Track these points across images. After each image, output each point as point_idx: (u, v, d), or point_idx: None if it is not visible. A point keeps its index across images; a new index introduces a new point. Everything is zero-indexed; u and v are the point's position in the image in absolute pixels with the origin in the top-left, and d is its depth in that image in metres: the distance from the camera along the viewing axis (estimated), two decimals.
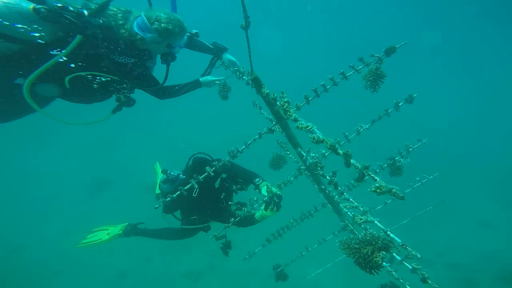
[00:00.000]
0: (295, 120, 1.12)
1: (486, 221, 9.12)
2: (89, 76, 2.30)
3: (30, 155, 13.59)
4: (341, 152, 0.98)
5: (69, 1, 2.14)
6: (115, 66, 2.31)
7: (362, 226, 1.11)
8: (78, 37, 2.13)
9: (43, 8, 1.94)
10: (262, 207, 2.63)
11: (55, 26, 2.08)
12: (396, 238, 1.06)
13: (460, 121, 17.23)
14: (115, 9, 2.33)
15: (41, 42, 2.08)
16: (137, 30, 2.28)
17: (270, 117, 2.47)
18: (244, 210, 2.10)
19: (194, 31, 2.86)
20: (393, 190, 0.84)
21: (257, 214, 2.86)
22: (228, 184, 3.16)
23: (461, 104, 19.29)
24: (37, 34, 2.04)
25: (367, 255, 1.04)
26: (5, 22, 1.89)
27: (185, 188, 1.61)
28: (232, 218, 2.21)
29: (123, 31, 2.29)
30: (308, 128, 1.07)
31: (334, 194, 2.18)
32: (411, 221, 3.67)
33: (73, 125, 2.67)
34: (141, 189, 8.49)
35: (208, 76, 2.99)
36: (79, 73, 2.25)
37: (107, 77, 2.37)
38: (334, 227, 2.69)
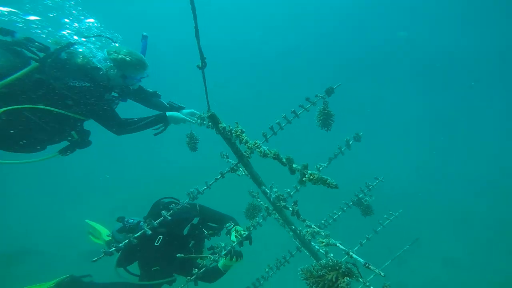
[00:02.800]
0: (246, 142, 1.19)
1: (454, 259, 9.36)
2: (26, 113, 2.17)
3: None
4: (284, 159, 1.05)
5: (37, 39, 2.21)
6: (69, 90, 2.24)
7: (324, 249, 1.12)
8: (34, 64, 2.13)
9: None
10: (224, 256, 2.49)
11: (14, 56, 2.10)
12: (359, 259, 1.08)
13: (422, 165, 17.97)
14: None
15: None
16: (94, 61, 2.33)
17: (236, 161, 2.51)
18: (210, 258, 1.92)
19: (158, 92, 2.98)
20: (328, 180, 0.90)
21: (220, 263, 2.63)
22: (199, 230, 2.90)
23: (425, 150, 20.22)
24: None
25: (331, 282, 1.04)
26: None
27: (135, 235, 1.49)
28: (196, 269, 2.00)
29: (79, 59, 2.30)
30: (256, 144, 1.15)
31: (304, 233, 2.16)
32: (382, 263, 3.64)
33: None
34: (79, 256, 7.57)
35: (178, 113, 2.77)
36: (25, 106, 2.13)
37: (58, 112, 2.25)
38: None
